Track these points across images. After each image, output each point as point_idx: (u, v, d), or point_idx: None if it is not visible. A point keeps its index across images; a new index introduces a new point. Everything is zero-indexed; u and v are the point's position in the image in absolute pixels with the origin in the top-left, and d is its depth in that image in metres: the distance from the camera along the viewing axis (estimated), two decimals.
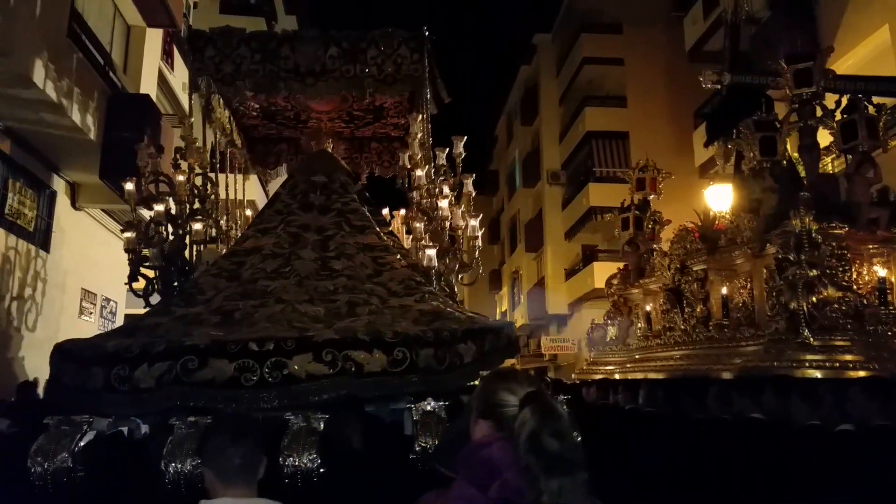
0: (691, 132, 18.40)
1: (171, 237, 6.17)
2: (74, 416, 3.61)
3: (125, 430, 3.96)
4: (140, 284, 6.05)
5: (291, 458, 3.35)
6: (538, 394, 1.76)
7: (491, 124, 36.57)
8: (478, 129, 38.82)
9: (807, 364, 5.31)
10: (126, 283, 6.08)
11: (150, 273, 6.04)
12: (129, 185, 6.17)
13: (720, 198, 8.39)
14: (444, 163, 6.20)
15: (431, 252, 5.58)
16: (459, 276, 6.10)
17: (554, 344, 23.95)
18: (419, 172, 6.04)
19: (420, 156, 6.12)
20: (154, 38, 10.90)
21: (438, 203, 5.86)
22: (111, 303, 11.16)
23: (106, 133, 8.47)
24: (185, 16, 12.31)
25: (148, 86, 10.57)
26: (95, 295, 10.52)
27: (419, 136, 6.19)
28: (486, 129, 37.20)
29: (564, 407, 3.82)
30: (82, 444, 3.54)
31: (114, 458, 3.56)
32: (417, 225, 5.91)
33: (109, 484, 3.42)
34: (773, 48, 9.44)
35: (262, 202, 10.53)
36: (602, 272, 17.63)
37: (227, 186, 7.28)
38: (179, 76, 12.79)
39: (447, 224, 5.92)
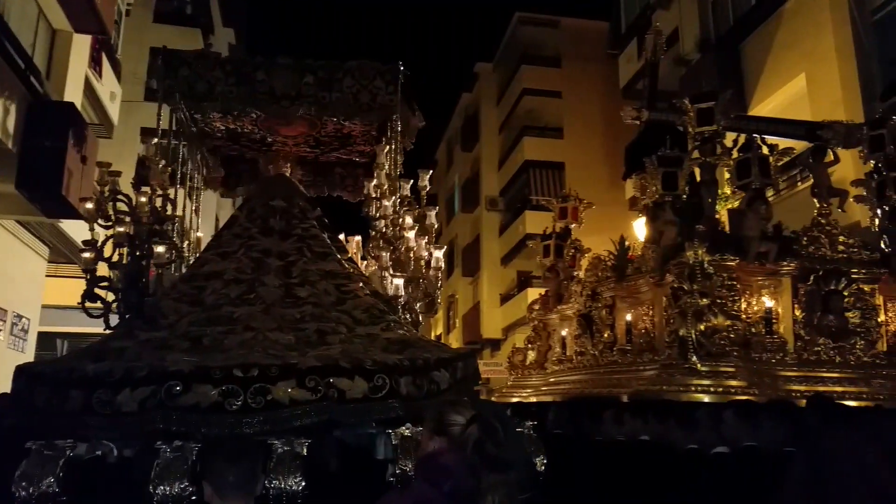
0: (622, 166, 18.95)
1: (128, 258, 5.98)
2: (57, 440, 3.62)
3: (99, 453, 3.95)
4: (91, 304, 5.80)
5: (277, 482, 3.48)
6: (481, 414, 2.35)
7: (431, 148, 36.87)
8: (418, 152, 39.00)
9: (693, 388, 5.66)
10: (79, 303, 5.88)
11: (105, 294, 5.78)
12: (89, 204, 5.96)
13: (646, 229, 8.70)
14: (409, 194, 6.32)
15: (399, 281, 5.72)
16: (417, 305, 6.14)
17: (487, 368, 24.11)
18: (386, 203, 6.14)
19: (386, 186, 6.24)
20: (82, 45, 10.52)
21: (405, 234, 5.99)
22: (23, 320, 10.55)
23: (24, 141, 8.21)
24: (116, 23, 12.05)
25: (73, 94, 10.20)
26: (6, 311, 9.97)
27: (387, 166, 6.30)
28: (427, 153, 37.43)
29: (531, 431, 4.24)
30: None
31: (96, 481, 3.62)
32: (383, 254, 6.01)
33: None
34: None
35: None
36: (535, 298, 17.88)
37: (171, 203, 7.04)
38: (108, 85, 12.47)
39: (412, 254, 6.03)
